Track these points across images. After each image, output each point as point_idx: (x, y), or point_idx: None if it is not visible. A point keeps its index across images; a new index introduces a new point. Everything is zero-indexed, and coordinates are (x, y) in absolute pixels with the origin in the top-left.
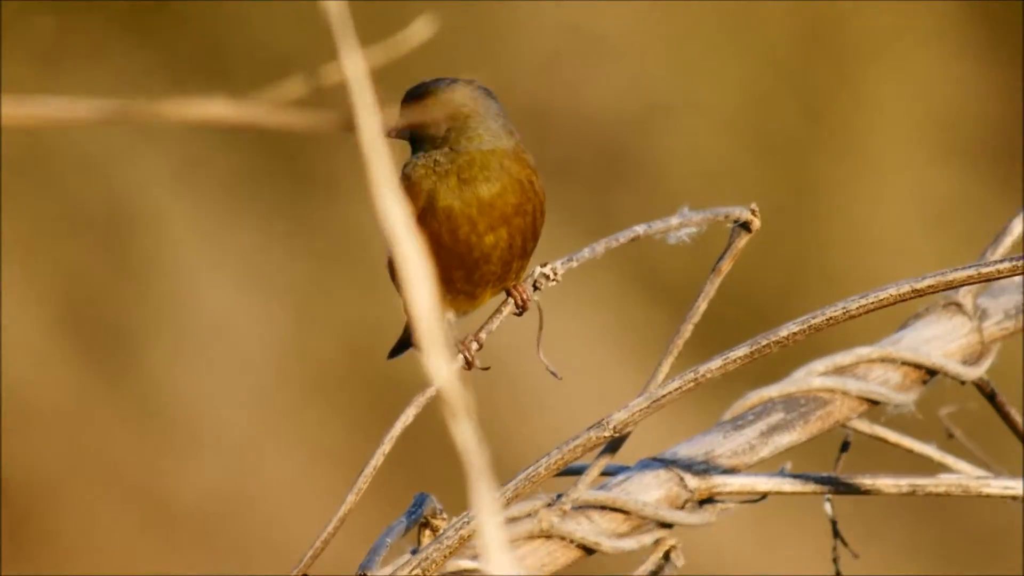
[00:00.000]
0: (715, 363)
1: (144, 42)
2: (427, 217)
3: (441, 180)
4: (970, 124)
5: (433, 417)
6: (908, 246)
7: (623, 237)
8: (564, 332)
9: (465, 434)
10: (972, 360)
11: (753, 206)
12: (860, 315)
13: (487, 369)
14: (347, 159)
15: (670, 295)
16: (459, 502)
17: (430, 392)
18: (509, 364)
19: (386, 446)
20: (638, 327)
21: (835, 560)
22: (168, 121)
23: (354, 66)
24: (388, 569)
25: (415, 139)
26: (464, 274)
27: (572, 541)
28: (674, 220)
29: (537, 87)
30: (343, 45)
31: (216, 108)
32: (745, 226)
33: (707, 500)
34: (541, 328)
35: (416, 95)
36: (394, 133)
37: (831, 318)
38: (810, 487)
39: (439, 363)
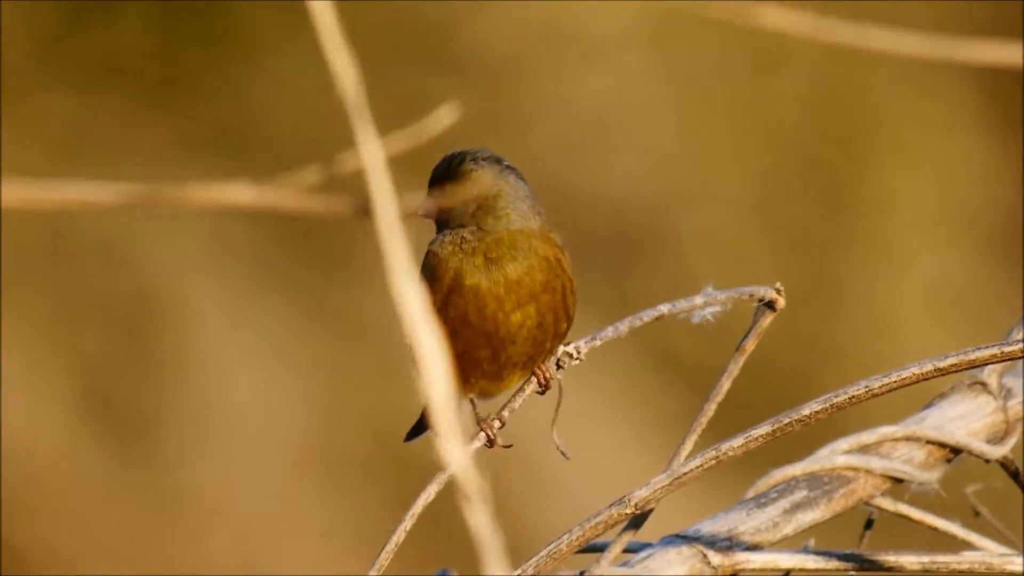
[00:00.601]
0: (737, 441)
1: (164, 123)
2: (453, 295)
3: (468, 258)
4: (986, 210)
5: (453, 497)
6: (925, 330)
7: (647, 316)
8: (584, 410)
9: (479, 519)
10: (996, 439)
11: (778, 285)
12: (882, 394)
13: (509, 447)
14: (368, 242)
15: (686, 374)
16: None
17: (451, 470)
18: (529, 442)
19: (407, 523)
20: (656, 406)
21: None
22: (193, 206)
23: (371, 153)
24: None
25: (443, 217)
26: (490, 354)
27: None
28: (698, 299)
29: (559, 168)
30: (360, 132)
31: (239, 193)
32: (770, 305)
33: None
34: (558, 407)
35: (446, 174)
36: (425, 214)
37: (853, 397)
38: (833, 564)
39: (454, 448)
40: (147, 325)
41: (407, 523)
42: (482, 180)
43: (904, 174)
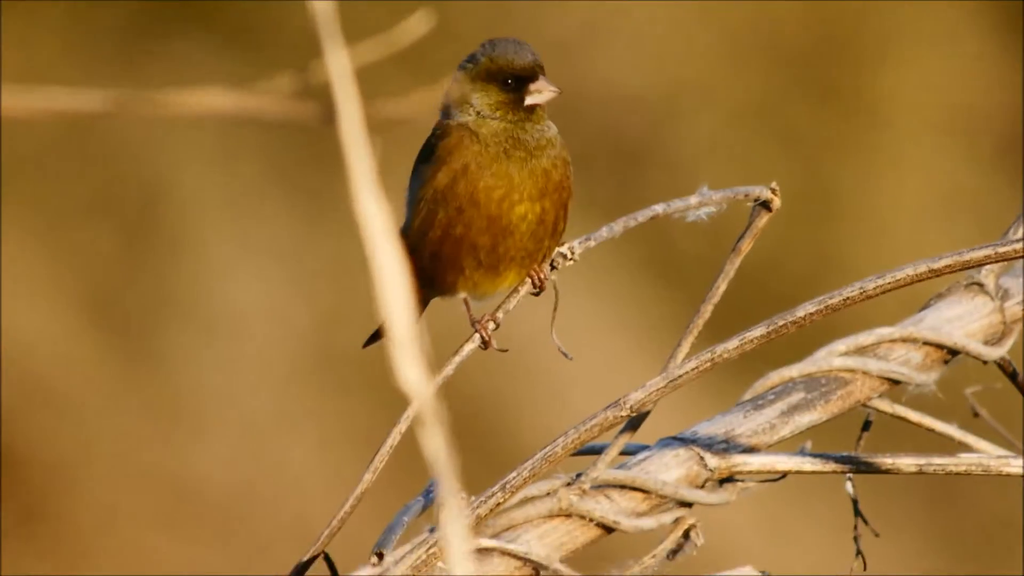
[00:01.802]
0: (732, 343)
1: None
2: (471, 171)
3: (512, 148)
4: (986, 116)
5: (449, 400)
6: (925, 235)
7: (642, 216)
8: (581, 316)
9: (433, 442)
10: (994, 340)
11: (773, 185)
12: (877, 295)
13: (505, 351)
14: (382, 144)
15: (686, 279)
16: (477, 482)
17: (447, 372)
18: (527, 347)
19: (403, 425)
20: (654, 309)
21: (856, 538)
22: (171, 112)
23: (337, 61)
24: (405, 547)
25: (501, 84)
26: (490, 242)
27: (591, 520)
28: (693, 199)
29: (558, 72)
30: (328, 42)
31: (216, 99)
32: (765, 205)
33: (727, 479)
34: (556, 308)
35: (534, 51)
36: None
37: (848, 298)
38: (830, 466)
39: (408, 370)
40: (152, 224)
41: (402, 425)
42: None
43: (905, 79)
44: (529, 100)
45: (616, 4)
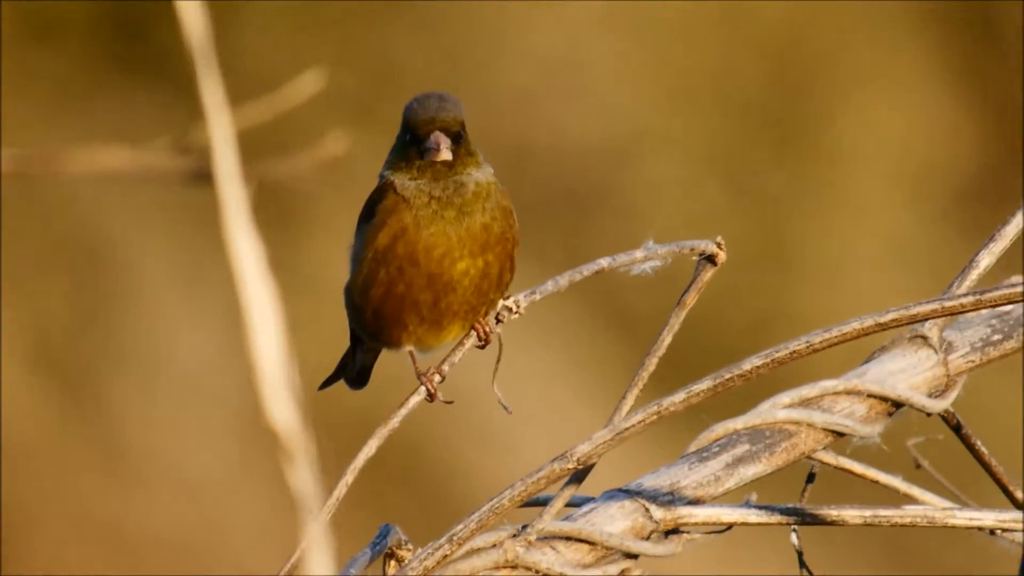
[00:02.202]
0: (679, 396)
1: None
2: (409, 233)
3: (442, 208)
4: (939, 170)
5: (395, 451)
6: (877, 287)
7: (587, 270)
8: (528, 367)
9: (301, 478)
10: (938, 392)
11: (719, 239)
12: (823, 348)
13: (450, 403)
14: (328, 198)
15: (633, 330)
16: (424, 534)
17: (392, 424)
18: (473, 399)
19: (348, 476)
20: (601, 362)
21: None
22: (69, 172)
23: (218, 125)
24: None
25: (404, 140)
26: (431, 299)
27: (538, 572)
28: (639, 253)
29: (513, 121)
30: (209, 104)
31: (107, 158)
32: (711, 259)
33: (673, 531)
34: (499, 360)
35: (454, 108)
36: (444, 157)
37: (795, 352)
38: (776, 518)
39: (279, 405)
40: (101, 281)
41: (348, 477)
42: (459, 119)
43: (859, 129)
44: (425, 159)
45: (573, 53)
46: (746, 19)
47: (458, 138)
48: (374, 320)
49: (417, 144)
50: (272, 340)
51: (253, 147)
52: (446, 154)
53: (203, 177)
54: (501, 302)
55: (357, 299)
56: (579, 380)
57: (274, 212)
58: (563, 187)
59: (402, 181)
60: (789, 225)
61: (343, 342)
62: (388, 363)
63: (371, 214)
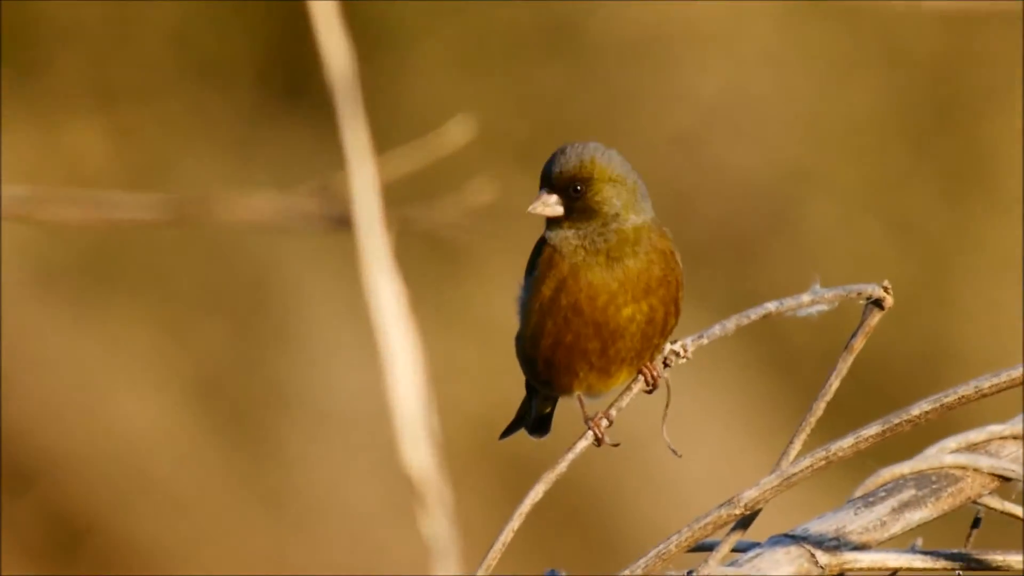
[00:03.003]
0: (847, 441)
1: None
2: (568, 284)
3: (590, 256)
4: None
5: (562, 496)
6: None
7: (754, 314)
8: (694, 409)
9: (436, 527)
10: None
11: (886, 283)
12: (992, 394)
13: (617, 445)
14: (489, 240)
15: (796, 372)
16: (600, 571)
17: (560, 469)
18: (641, 442)
19: (515, 522)
20: (765, 405)
21: None
22: (217, 219)
23: (362, 173)
24: None
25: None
26: (599, 346)
27: None
28: (806, 297)
29: (675, 163)
30: (351, 147)
31: (260, 205)
32: (878, 303)
33: None
34: (668, 405)
35: (569, 166)
36: (552, 212)
37: (963, 396)
38: (941, 563)
39: (415, 452)
40: (262, 316)
41: (515, 522)
42: (609, 168)
43: (1020, 166)
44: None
45: (736, 94)
46: (910, 57)
47: (574, 192)
48: (546, 369)
49: None
50: (411, 385)
51: (415, 190)
52: (544, 209)
53: (345, 223)
54: (668, 346)
55: (528, 350)
56: (743, 423)
57: (440, 258)
58: (726, 229)
59: (552, 234)
60: (952, 266)
61: (511, 386)
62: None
63: (533, 266)
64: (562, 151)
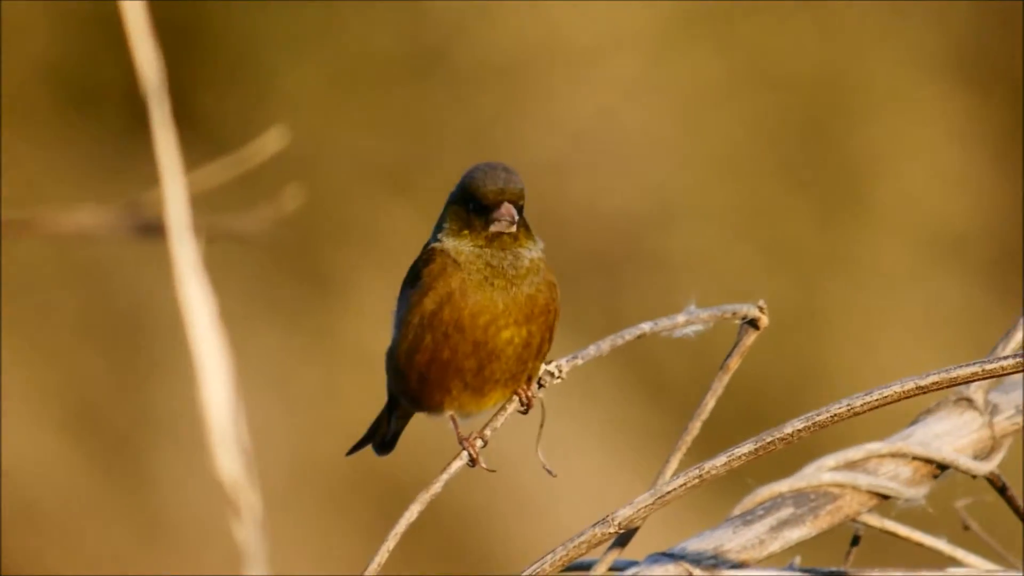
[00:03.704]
0: (720, 460)
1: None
2: (455, 299)
3: (493, 276)
4: (974, 235)
5: (436, 519)
6: (913, 350)
7: (629, 335)
8: (567, 431)
9: (247, 533)
10: (983, 455)
11: (761, 303)
12: (864, 412)
13: (493, 471)
14: (366, 265)
15: (670, 393)
16: None
17: (435, 489)
18: (514, 465)
19: (391, 542)
20: (640, 426)
21: None
22: (50, 235)
23: (172, 186)
24: None
25: (467, 208)
26: (476, 365)
27: None
28: (680, 318)
29: (548, 187)
30: (166, 166)
31: (76, 218)
32: (753, 323)
33: None
34: (542, 426)
35: (509, 184)
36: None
37: (836, 415)
38: None
39: (226, 460)
40: (139, 346)
41: (390, 542)
42: (523, 192)
43: (895, 196)
44: (492, 229)
45: (603, 120)
46: (780, 84)
47: (520, 211)
48: (418, 385)
49: (483, 213)
50: (222, 394)
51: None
52: (512, 228)
53: (154, 231)
54: (544, 366)
55: (402, 364)
56: (619, 445)
57: (310, 282)
58: (596, 254)
59: (457, 246)
60: (825, 290)
61: (378, 409)
62: (426, 429)
63: (416, 277)
64: (504, 168)
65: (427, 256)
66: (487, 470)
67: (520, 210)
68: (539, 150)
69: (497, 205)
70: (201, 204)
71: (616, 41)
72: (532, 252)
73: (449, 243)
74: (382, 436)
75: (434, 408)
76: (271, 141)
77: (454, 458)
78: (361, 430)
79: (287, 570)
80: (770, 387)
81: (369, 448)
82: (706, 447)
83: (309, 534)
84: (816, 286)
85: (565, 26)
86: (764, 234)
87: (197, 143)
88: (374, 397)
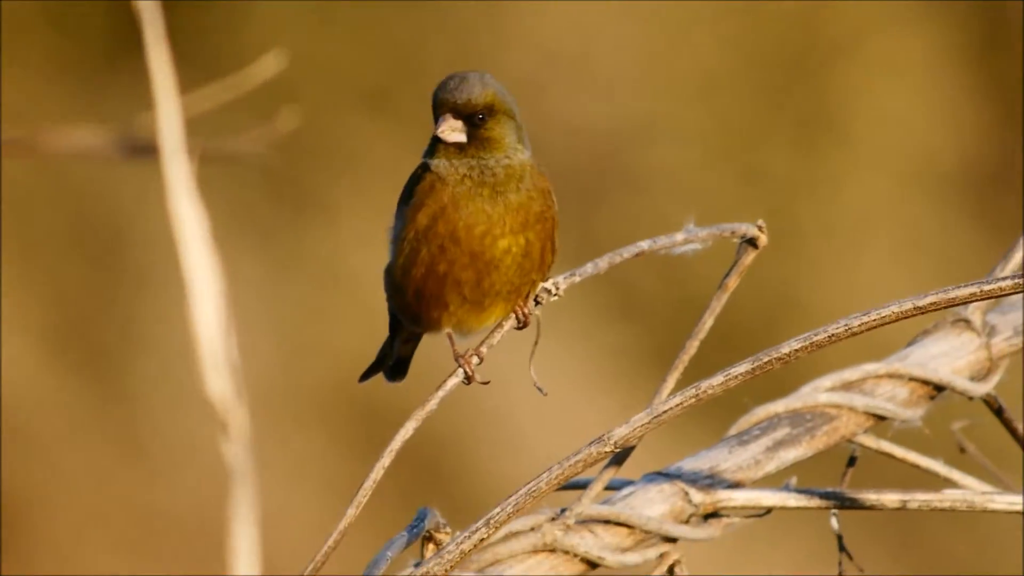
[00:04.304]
0: (717, 379)
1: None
2: (448, 212)
3: (476, 187)
4: (952, 158)
5: (432, 438)
6: (889, 274)
7: (627, 252)
8: (564, 352)
9: (234, 450)
10: (980, 376)
11: (760, 223)
12: (862, 332)
13: (487, 383)
14: (347, 185)
15: (645, 314)
16: (456, 519)
17: (430, 406)
18: (508, 385)
19: (386, 459)
20: (616, 348)
21: (840, 575)
22: (42, 154)
23: (165, 106)
24: None
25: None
26: (474, 277)
27: (576, 555)
28: (679, 236)
29: (523, 105)
30: (158, 83)
31: (74, 137)
32: (752, 242)
33: (712, 515)
34: (536, 342)
35: (463, 93)
36: (455, 138)
37: (833, 335)
38: (815, 502)
39: (216, 380)
40: (119, 260)
41: (385, 459)
42: (503, 105)
43: (873, 117)
44: (431, 139)
45: (579, 38)
46: (761, 8)
47: (477, 120)
48: (416, 301)
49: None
50: (212, 311)
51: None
52: (451, 135)
53: (148, 152)
54: (541, 284)
55: (398, 280)
56: (613, 366)
57: (292, 200)
58: (572, 176)
59: (438, 163)
60: (801, 212)
61: (365, 330)
62: (417, 354)
63: (410, 195)
64: (462, 78)
65: (417, 174)
66: (482, 383)
67: (476, 118)
68: (518, 68)
69: (438, 117)
70: (189, 126)
71: None
72: (507, 159)
73: (433, 161)
74: (389, 361)
75: (433, 325)
76: (266, 66)
77: (450, 375)
78: (343, 350)
79: (264, 491)
80: (743, 312)
81: (347, 372)
82: (693, 368)
83: (294, 454)
84: (792, 210)
85: None
86: (739, 154)
87: (180, 63)
88: (355, 316)
